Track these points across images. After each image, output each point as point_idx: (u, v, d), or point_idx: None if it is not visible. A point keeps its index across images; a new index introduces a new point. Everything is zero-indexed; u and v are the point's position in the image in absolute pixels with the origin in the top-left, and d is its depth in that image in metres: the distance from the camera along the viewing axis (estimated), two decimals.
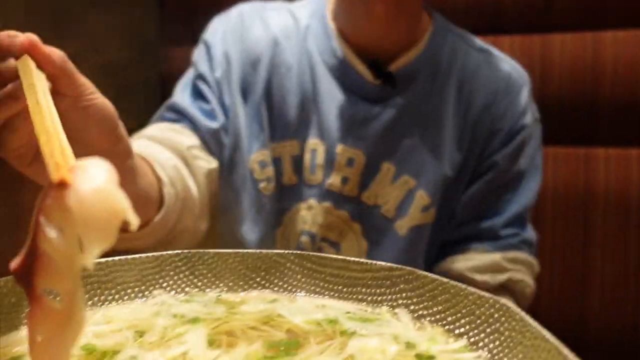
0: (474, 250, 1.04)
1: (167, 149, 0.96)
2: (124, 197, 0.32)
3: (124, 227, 0.86)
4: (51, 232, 0.31)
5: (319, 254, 0.55)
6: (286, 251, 0.56)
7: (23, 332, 0.46)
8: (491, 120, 1.05)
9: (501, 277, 1.02)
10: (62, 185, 0.31)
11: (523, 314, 0.39)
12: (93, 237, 0.31)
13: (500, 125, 1.05)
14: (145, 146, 0.93)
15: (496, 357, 0.41)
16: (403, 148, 1.04)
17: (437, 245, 1.08)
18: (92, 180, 0.31)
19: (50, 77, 0.54)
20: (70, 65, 0.58)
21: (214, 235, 1.12)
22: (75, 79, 0.58)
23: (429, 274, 0.48)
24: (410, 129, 1.05)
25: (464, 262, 1.03)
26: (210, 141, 1.05)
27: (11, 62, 0.53)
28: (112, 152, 0.65)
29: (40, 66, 0.53)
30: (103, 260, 0.52)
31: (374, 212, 1.06)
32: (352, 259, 0.53)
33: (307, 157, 1.06)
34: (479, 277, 1.01)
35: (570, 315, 1.35)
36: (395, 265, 0.51)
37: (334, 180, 1.05)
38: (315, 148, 1.07)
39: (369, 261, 0.53)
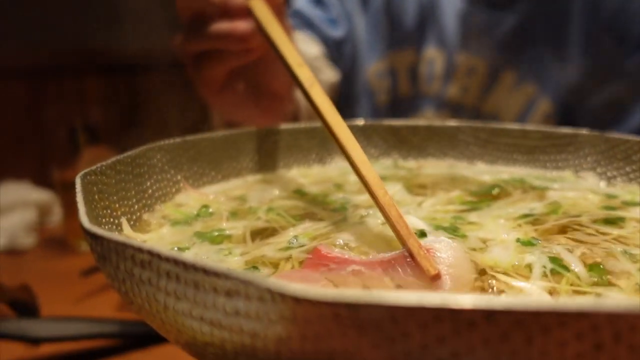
0: None
1: None
2: None
3: None
4: None
5: (494, 125, 0.55)
6: (460, 123, 0.57)
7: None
8: (624, 22, 1.00)
9: None
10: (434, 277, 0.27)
11: None
12: None
13: (633, 29, 0.99)
14: None
15: None
16: (526, 55, 1.01)
17: None
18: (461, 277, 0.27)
19: None
20: (284, 7, 0.57)
21: None
22: (284, 22, 0.57)
23: (621, 135, 0.48)
24: (533, 34, 1.01)
25: None
26: (333, 51, 1.05)
27: None
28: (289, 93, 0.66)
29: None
30: (292, 126, 0.55)
31: (493, 121, 1.05)
32: (532, 127, 0.54)
33: (424, 67, 1.05)
34: None
35: None
36: (580, 131, 0.51)
37: (453, 90, 1.04)
38: (433, 58, 1.05)
39: (549, 129, 0.53)
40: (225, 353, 0.20)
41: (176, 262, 0.19)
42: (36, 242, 0.99)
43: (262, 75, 0.61)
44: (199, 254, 0.32)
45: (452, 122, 0.57)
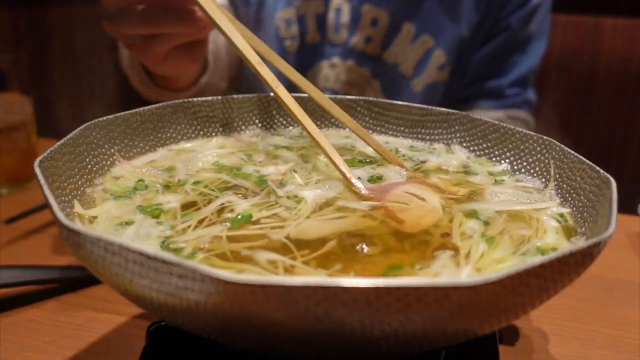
0: (480, 108, 1.16)
1: None
2: None
3: (174, 86, 0.95)
4: None
5: (385, 100, 0.65)
6: (357, 97, 0.66)
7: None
8: None
9: None
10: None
11: (563, 146, 0.51)
12: None
13: None
14: None
15: (536, 176, 0.54)
16: (424, 9, 1.11)
17: (447, 103, 1.19)
18: None
19: None
20: None
21: (236, 93, 1.22)
22: None
23: (482, 118, 0.60)
24: None
25: None
26: None
27: None
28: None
29: None
30: (209, 98, 0.62)
31: (393, 70, 1.15)
32: (416, 104, 0.64)
33: (331, 15, 1.12)
34: None
35: None
36: (452, 111, 0.62)
37: (358, 39, 1.13)
38: (339, 7, 1.12)
39: (429, 107, 0.64)
40: (175, 312, 0.30)
41: (142, 253, 0.28)
42: None
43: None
44: (143, 226, 0.41)
45: (351, 97, 0.67)
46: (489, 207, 0.47)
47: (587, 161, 0.47)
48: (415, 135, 0.65)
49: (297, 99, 0.55)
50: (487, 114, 1.14)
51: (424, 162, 0.58)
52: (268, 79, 0.54)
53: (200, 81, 0.93)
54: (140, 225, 0.41)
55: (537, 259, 0.28)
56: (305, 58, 1.16)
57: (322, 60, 1.16)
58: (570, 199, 0.48)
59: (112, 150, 0.52)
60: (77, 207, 0.42)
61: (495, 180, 0.54)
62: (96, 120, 0.50)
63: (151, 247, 0.38)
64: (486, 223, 0.44)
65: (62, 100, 1.58)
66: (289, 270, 0.36)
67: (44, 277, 0.68)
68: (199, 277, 0.27)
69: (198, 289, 0.27)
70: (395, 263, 0.37)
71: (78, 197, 0.44)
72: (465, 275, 0.34)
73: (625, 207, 0.86)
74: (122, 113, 0.53)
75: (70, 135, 0.46)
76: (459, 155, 0.60)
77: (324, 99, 0.60)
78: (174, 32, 0.63)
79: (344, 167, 0.50)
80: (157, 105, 0.57)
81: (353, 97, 0.66)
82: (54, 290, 0.69)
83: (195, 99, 0.61)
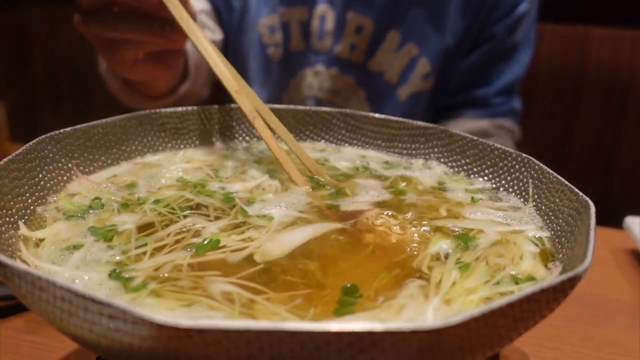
0: (465, 117, 1.14)
1: None
2: None
3: (149, 92, 0.94)
4: None
5: (362, 112, 0.63)
6: (333, 109, 0.64)
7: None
8: None
9: None
10: None
11: (542, 165, 0.49)
12: None
13: None
14: None
15: (515, 195, 0.52)
16: (409, 17, 1.09)
17: (432, 112, 1.17)
18: None
19: None
20: None
21: (219, 101, 1.19)
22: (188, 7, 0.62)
23: (461, 133, 0.58)
24: None
25: (455, 127, 1.12)
26: (220, 4, 1.07)
27: None
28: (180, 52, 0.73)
29: None
30: (179, 109, 0.59)
31: (378, 78, 1.13)
32: (392, 117, 0.62)
33: (316, 23, 1.10)
34: None
35: None
36: (430, 125, 0.60)
37: (343, 47, 1.10)
38: (324, 14, 1.10)
39: (406, 120, 0.61)
40: (110, 351, 0.27)
41: (69, 290, 0.25)
42: None
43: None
44: (91, 251, 0.38)
45: (327, 109, 0.64)
46: (464, 227, 0.45)
47: (566, 182, 0.45)
48: (392, 150, 0.62)
49: None
50: (472, 123, 1.13)
51: (391, 178, 0.56)
52: (246, 110, 0.54)
53: (180, 89, 0.90)
54: (89, 250, 0.38)
55: (504, 299, 0.26)
56: (289, 65, 1.14)
57: (306, 68, 1.14)
58: (548, 221, 0.46)
59: (70, 165, 0.49)
60: (23, 229, 0.39)
61: (473, 199, 0.52)
62: (52, 133, 0.48)
63: (99, 275, 0.35)
64: (462, 248, 0.42)
65: (41, 105, 1.54)
66: (246, 305, 0.33)
67: (8, 292, 0.66)
68: (131, 319, 0.24)
69: (130, 331, 0.24)
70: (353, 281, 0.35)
71: (26, 217, 0.42)
72: (432, 309, 0.32)
73: (611, 220, 0.84)
74: (81, 125, 0.51)
75: (21, 150, 0.43)
76: (435, 172, 0.58)
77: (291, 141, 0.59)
78: (143, 40, 0.61)
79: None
80: (121, 116, 0.55)
81: (329, 109, 0.64)
82: (19, 307, 0.66)
83: (162, 110, 0.58)
